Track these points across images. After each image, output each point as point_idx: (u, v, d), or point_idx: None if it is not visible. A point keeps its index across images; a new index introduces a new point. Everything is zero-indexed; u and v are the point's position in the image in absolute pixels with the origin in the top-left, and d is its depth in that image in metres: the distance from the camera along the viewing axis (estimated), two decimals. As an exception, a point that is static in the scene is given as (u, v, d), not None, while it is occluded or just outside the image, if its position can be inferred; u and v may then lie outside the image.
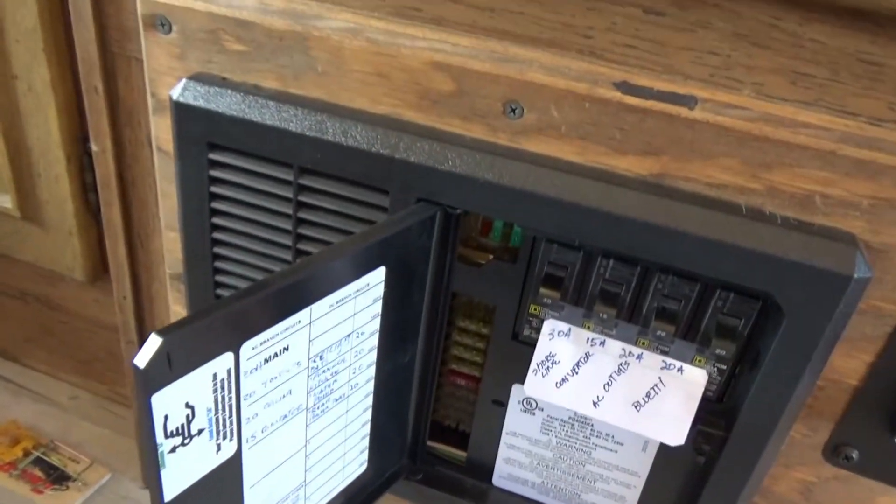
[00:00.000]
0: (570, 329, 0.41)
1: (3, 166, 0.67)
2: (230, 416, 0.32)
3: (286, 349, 0.33)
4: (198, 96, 0.41)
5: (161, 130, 0.46)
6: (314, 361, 0.36)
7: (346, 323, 0.37)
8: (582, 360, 0.41)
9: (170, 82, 0.44)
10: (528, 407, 0.46)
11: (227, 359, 0.30)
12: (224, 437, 0.32)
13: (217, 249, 0.46)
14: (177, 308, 0.54)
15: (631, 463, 0.45)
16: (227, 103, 0.41)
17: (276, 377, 0.34)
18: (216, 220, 0.45)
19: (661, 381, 0.40)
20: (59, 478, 0.73)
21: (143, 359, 0.26)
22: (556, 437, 0.47)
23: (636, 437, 0.45)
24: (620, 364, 0.41)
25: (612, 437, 0.45)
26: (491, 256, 0.43)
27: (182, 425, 0.29)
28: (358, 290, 0.37)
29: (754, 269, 0.35)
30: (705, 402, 0.40)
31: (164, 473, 0.29)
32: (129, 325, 0.60)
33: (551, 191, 0.37)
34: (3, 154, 0.66)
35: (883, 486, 0.41)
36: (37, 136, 0.64)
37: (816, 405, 0.40)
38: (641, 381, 0.41)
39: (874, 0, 0.31)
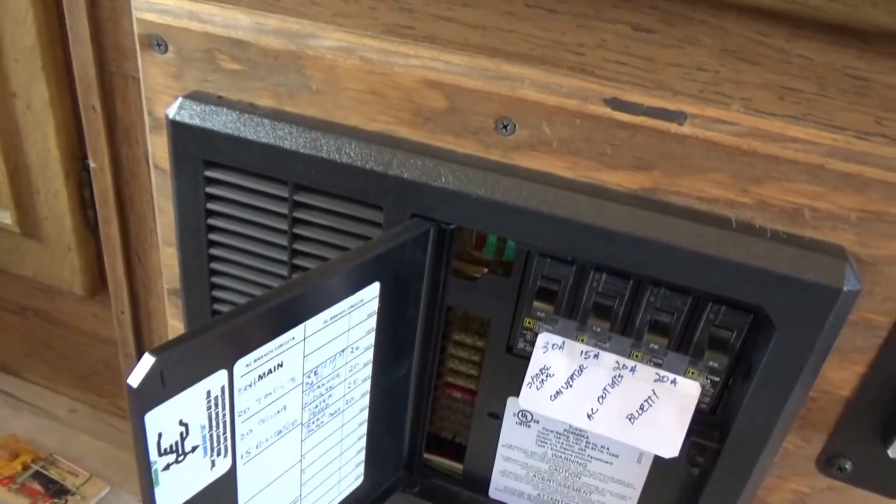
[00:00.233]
0: (563, 342, 0.42)
1: (3, 183, 0.67)
2: (224, 432, 0.32)
3: (280, 366, 0.34)
4: (194, 115, 0.42)
5: (158, 148, 0.47)
6: (309, 377, 0.36)
7: (341, 338, 0.37)
8: (576, 372, 0.42)
9: (166, 101, 0.44)
10: (524, 419, 0.46)
11: (220, 376, 0.30)
12: (218, 454, 0.32)
13: (214, 265, 0.46)
14: (174, 322, 0.54)
15: (626, 475, 0.46)
16: (222, 121, 0.41)
17: (270, 393, 0.34)
18: (213, 236, 0.45)
19: (654, 393, 0.40)
20: (58, 491, 0.73)
21: (136, 378, 0.26)
22: (551, 449, 0.47)
23: (631, 449, 0.45)
24: (614, 377, 0.41)
25: (608, 449, 0.45)
26: (485, 270, 0.43)
27: (176, 443, 0.29)
28: (352, 306, 0.37)
29: (745, 283, 0.35)
30: (699, 413, 0.40)
31: (157, 491, 0.29)
32: (127, 339, 0.61)
33: (543, 206, 0.37)
34: (3, 171, 0.66)
35: (876, 497, 0.42)
36: (36, 153, 0.65)
37: (809, 416, 0.40)
38: (635, 393, 0.41)
39: (859, 17, 0.31)
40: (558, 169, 0.38)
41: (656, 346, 0.40)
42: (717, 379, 0.40)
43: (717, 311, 0.38)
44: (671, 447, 0.40)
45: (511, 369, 0.44)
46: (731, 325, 0.38)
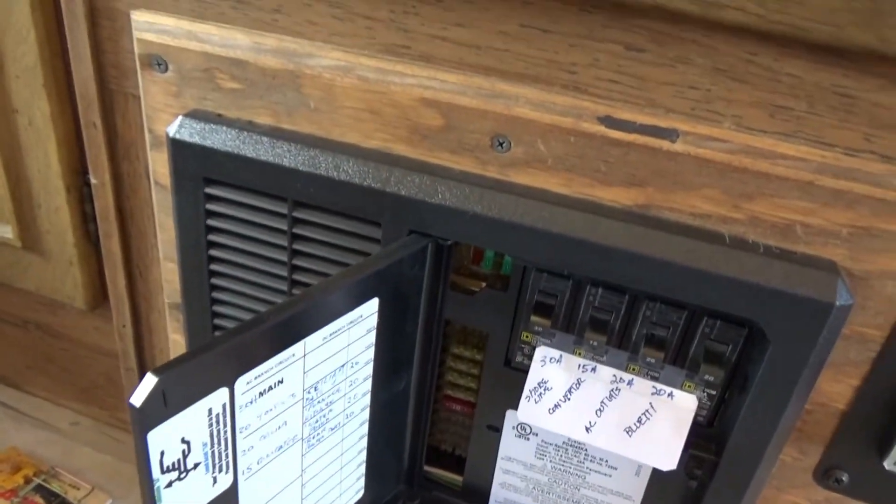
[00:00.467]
0: (561, 356, 0.42)
1: (4, 198, 0.68)
2: (226, 449, 0.32)
3: (280, 382, 0.34)
4: (193, 133, 0.43)
5: (158, 165, 0.47)
6: (309, 393, 0.37)
7: (341, 354, 0.38)
8: (574, 386, 0.42)
9: (166, 119, 0.45)
10: (523, 432, 0.47)
11: (222, 394, 0.31)
12: (220, 470, 0.33)
13: (214, 280, 0.47)
14: (175, 336, 0.54)
15: (625, 487, 0.46)
16: (222, 139, 0.42)
17: (270, 409, 0.34)
18: (213, 252, 0.46)
19: (651, 406, 0.41)
20: (59, 505, 0.73)
21: (138, 398, 0.26)
22: (550, 461, 0.47)
23: (630, 462, 0.45)
24: (612, 390, 0.41)
25: (606, 461, 0.46)
26: (483, 284, 0.44)
27: (178, 460, 0.30)
28: (351, 322, 0.37)
29: (739, 298, 0.36)
30: (696, 426, 0.41)
31: (160, 509, 0.30)
32: (128, 352, 0.61)
33: (539, 222, 0.38)
34: (4, 186, 0.67)
35: (873, 508, 0.42)
36: (37, 169, 0.65)
37: (806, 429, 0.40)
38: (633, 406, 0.41)
39: (845, 37, 0.32)
40: (553, 185, 0.39)
41: (653, 360, 0.40)
42: (714, 392, 0.41)
43: (713, 326, 0.39)
44: (669, 460, 0.41)
45: (510, 382, 0.44)
46: (726, 339, 0.39)
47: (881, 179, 0.33)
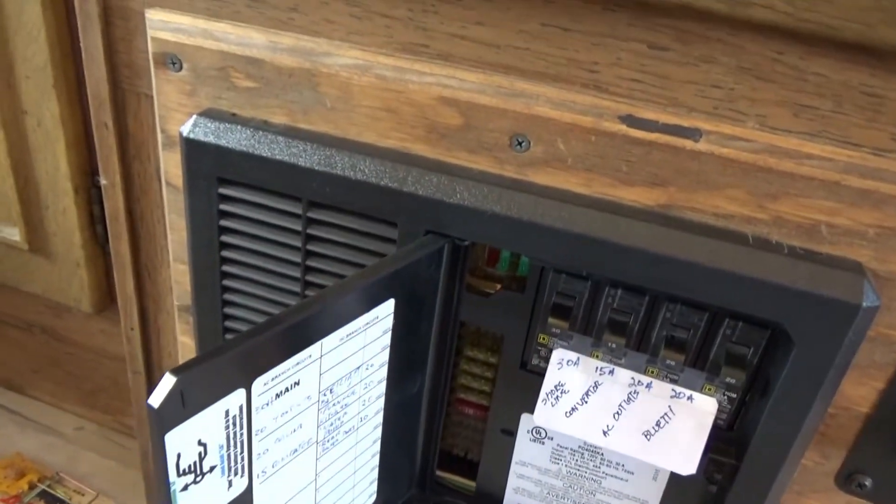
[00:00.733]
0: (578, 358, 0.41)
1: (12, 200, 0.67)
2: (242, 452, 0.32)
3: (297, 384, 0.33)
4: (208, 132, 0.42)
5: (170, 165, 0.47)
6: (324, 395, 0.36)
7: (356, 355, 0.37)
8: (591, 389, 0.41)
9: (180, 118, 0.45)
10: (538, 436, 0.46)
11: (239, 395, 0.30)
12: (235, 474, 0.32)
13: (226, 282, 0.46)
14: (184, 339, 0.54)
15: (642, 492, 0.45)
16: (236, 139, 0.42)
17: (287, 412, 0.34)
18: (225, 253, 0.45)
19: (670, 409, 0.40)
20: (64, 511, 0.72)
21: (157, 398, 0.26)
22: (565, 466, 0.46)
23: (647, 467, 0.44)
24: (630, 393, 0.41)
25: (623, 465, 0.45)
26: (498, 286, 0.43)
27: (194, 463, 0.29)
28: (367, 323, 0.37)
29: (763, 299, 0.35)
30: (716, 430, 0.40)
31: (176, 512, 0.29)
32: (136, 355, 0.60)
33: (559, 222, 0.37)
34: (12, 188, 0.66)
35: (897, 514, 0.41)
36: (45, 171, 0.65)
37: (828, 433, 0.40)
38: (651, 409, 0.41)
39: (875, 35, 0.31)
40: (573, 185, 0.39)
41: (672, 363, 0.40)
42: (734, 395, 0.40)
43: (734, 327, 0.38)
44: (688, 464, 0.40)
45: (525, 385, 0.44)
46: (748, 342, 0.38)
47: (909, 179, 0.33)
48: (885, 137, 0.34)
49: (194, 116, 0.43)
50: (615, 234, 0.37)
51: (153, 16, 0.43)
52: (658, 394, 0.40)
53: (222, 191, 0.43)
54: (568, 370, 0.42)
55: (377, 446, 0.43)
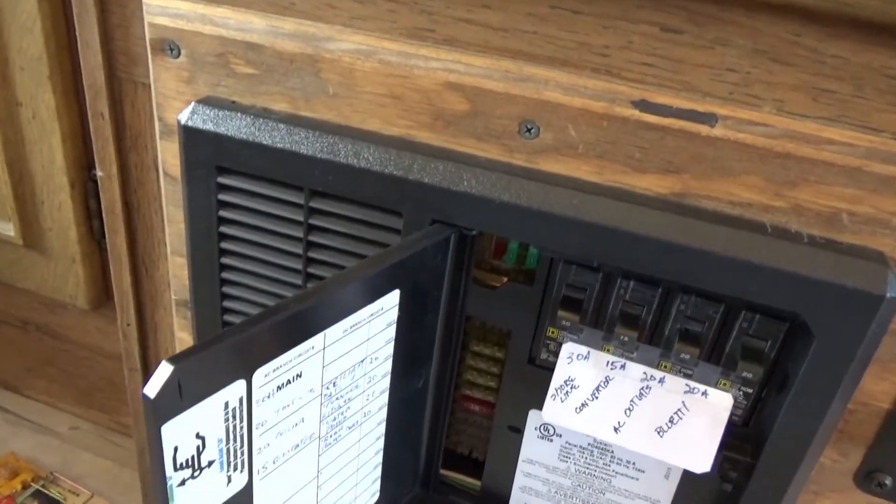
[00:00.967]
0: (589, 352, 0.40)
1: (7, 194, 0.66)
2: (241, 446, 0.30)
3: (299, 376, 0.32)
4: (206, 120, 0.41)
5: (168, 155, 0.46)
6: (327, 388, 0.35)
7: (360, 348, 0.36)
8: (602, 384, 0.40)
9: (178, 106, 0.43)
10: (546, 433, 0.45)
11: (239, 387, 0.29)
12: (235, 469, 0.31)
13: (225, 274, 0.45)
14: (182, 335, 0.53)
15: (653, 491, 0.44)
16: (236, 126, 0.40)
17: (288, 405, 0.32)
18: (224, 245, 0.44)
19: (684, 405, 0.39)
20: (58, 512, 0.71)
21: (153, 388, 0.25)
22: (574, 464, 0.45)
23: (658, 465, 0.43)
24: (642, 388, 0.40)
25: (634, 464, 0.44)
26: (505, 279, 0.42)
27: (192, 457, 0.28)
28: (372, 315, 0.36)
29: (782, 289, 0.34)
30: (731, 426, 0.39)
31: (173, 509, 0.28)
32: (132, 352, 0.59)
33: (570, 210, 0.36)
34: (7, 182, 0.65)
35: (917, 513, 0.40)
36: (41, 164, 0.64)
37: (847, 429, 0.39)
38: (664, 405, 0.39)
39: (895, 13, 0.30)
40: (584, 173, 0.37)
41: (686, 356, 0.38)
42: (750, 390, 0.39)
43: (751, 320, 0.37)
44: (703, 462, 0.39)
45: (533, 381, 0.43)
46: (765, 335, 0.37)
47: (935, 164, 0.32)
48: (908, 121, 0.33)
49: (193, 104, 0.42)
50: (628, 222, 0.35)
51: (150, 1, 0.42)
52: (671, 389, 0.39)
53: (221, 180, 0.42)
54: (578, 365, 0.40)
55: (381, 443, 0.42)
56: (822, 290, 0.33)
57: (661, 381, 0.39)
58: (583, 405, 0.41)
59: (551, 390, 0.41)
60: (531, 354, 0.43)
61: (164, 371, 0.25)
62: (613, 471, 0.44)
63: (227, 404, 0.29)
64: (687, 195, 0.36)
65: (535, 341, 0.42)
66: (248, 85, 0.42)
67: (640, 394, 0.40)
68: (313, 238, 0.42)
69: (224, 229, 0.44)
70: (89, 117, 0.49)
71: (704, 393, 0.39)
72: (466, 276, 0.41)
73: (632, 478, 0.44)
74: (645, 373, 0.39)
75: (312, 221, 0.41)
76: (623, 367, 0.40)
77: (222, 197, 0.42)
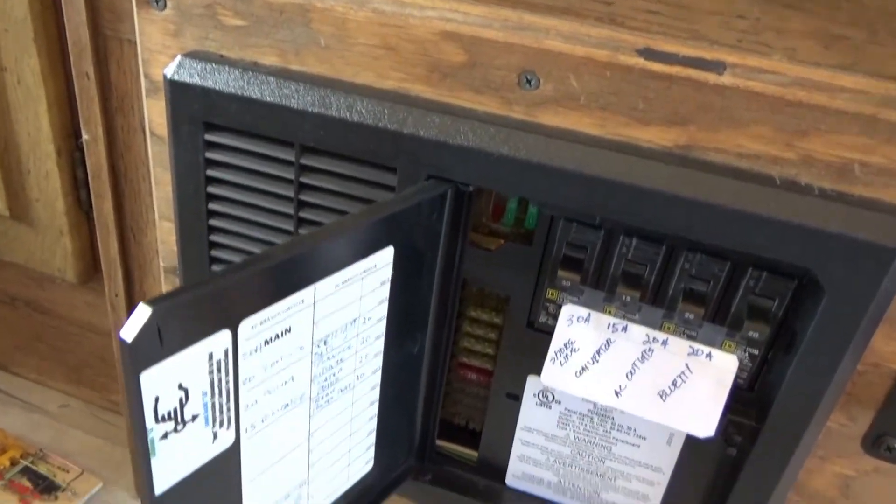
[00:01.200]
0: (589, 314, 0.39)
1: (-8, 163, 0.64)
2: (227, 401, 0.29)
3: (288, 331, 0.31)
4: (193, 73, 0.39)
5: (154, 113, 0.44)
6: (318, 346, 0.33)
7: (353, 306, 0.35)
8: (603, 347, 0.39)
9: (164, 62, 0.42)
10: (545, 400, 0.44)
11: (223, 337, 0.27)
12: (221, 425, 0.29)
13: (214, 237, 0.44)
14: (171, 304, 0.51)
15: (654, 458, 0.43)
16: (224, 80, 0.39)
17: (277, 361, 0.31)
18: (213, 206, 0.43)
19: (688, 367, 0.38)
20: (47, 488, 0.70)
21: (130, 331, 0.23)
22: (573, 431, 0.44)
23: (660, 431, 0.42)
24: (644, 351, 0.38)
25: (635, 430, 0.43)
26: (502, 242, 0.41)
27: (175, 409, 0.26)
28: (365, 271, 0.34)
29: (791, 243, 0.33)
30: (735, 390, 0.38)
31: (154, 462, 0.26)
32: (121, 324, 0.58)
33: (571, 163, 0.35)
34: (-8, 149, 0.63)
35: (927, 479, 0.39)
36: (27, 131, 0.62)
37: (856, 392, 0.37)
38: (667, 368, 0.38)
39: (917, -50, 0.29)
40: (586, 126, 0.36)
41: (691, 316, 0.37)
42: (756, 352, 0.38)
43: (758, 278, 0.36)
44: (707, 426, 0.38)
45: (532, 345, 0.41)
46: (772, 293, 0.36)
47: (953, 109, 0.30)
48: (925, 66, 0.32)
49: (179, 57, 0.40)
50: (631, 175, 0.34)
51: (135, -52, 0.40)
52: (675, 351, 0.38)
53: (209, 137, 0.40)
54: (578, 327, 0.39)
55: (374, 409, 0.41)
56: (834, 244, 0.32)
57: (664, 343, 0.38)
58: (583, 369, 0.39)
59: (550, 354, 0.40)
60: (530, 318, 0.41)
61: (141, 314, 0.23)
62: (614, 438, 0.43)
63: (211, 355, 0.27)
64: (693, 147, 0.35)
65: (535, 304, 0.41)
66: (237, 38, 0.40)
67: (643, 356, 0.38)
68: (304, 197, 0.40)
69: (212, 189, 0.42)
70: (74, 77, 0.47)
71: (709, 355, 0.38)
72: (463, 238, 0.40)
73: (633, 445, 0.43)
74: (647, 335, 0.38)
75: (304, 179, 0.40)
76: (625, 329, 0.39)
77: (210, 155, 0.41)
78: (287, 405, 0.33)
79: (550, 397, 0.43)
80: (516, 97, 0.36)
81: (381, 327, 0.38)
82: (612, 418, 0.43)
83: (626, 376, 0.39)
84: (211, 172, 0.42)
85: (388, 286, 0.36)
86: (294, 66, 0.40)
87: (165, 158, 0.44)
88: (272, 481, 0.34)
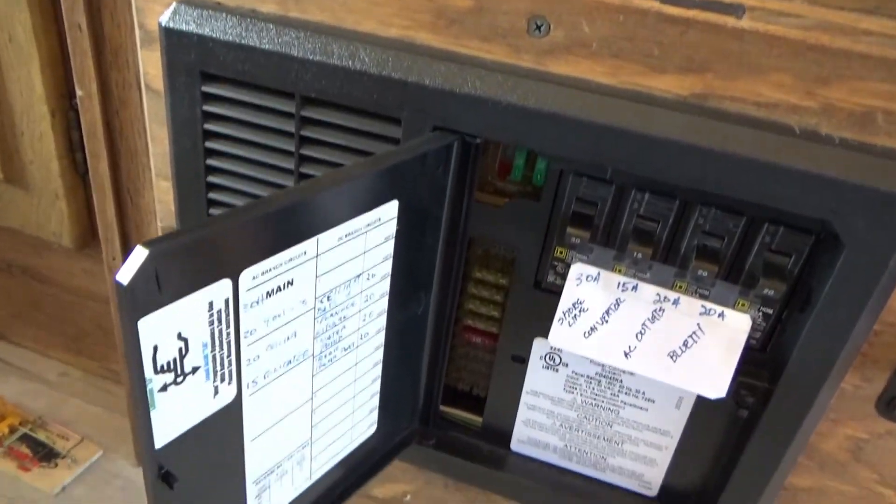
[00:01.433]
0: (599, 273, 0.38)
1: (-16, 125, 0.63)
2: (229, 355, 0.28)
3: (290, 283, 0.30)
4: (189, 20, 0.38)
5: (150, 66, 0.43)
6: (321, 302, 0.32)
7: (356, 261, 0.34)
8: (612, 307, 0.38)
9: (159, 11, 0.40)
10: (551, 363, 0.43)
11: (224, 286, 0.26)
12: (222, 379, 0.28)
13: (213, 194, 0.42)
14: (170, 266, 0.50)
15: (663, 422, 0.42)
16: (221, 28, 0.37)
17: (279, 315, 0.30)
18: (211, 162, 0.41)
19: (699, 327, 0.37)
20: (46, 455, 0.69)
21: (126, 274, 0.22)
22: (580, 395, 0.43)
23: (669, 394, 0.41)
24: (655, 310, 0.37)
25: (643, 393, 0.42)
26: (508, 200, 0.39)
27: (174, 359, 0.25)
28: (369, 224, 0.33)
29: (811, 195, 0.31)
30: (747, 351, 0.37)
31: (154, 415, 0.25)
32: (119, 289, 0.57)
33: (582, 112, 0.33)
34: (-16, 111, 0.62)
35: (941, 441, 0.38)
36: (19, 91, 0.60)
37: (872, 353, 0.37)
38: (678, 328, 0.37)
39: None
40: (598, 75, 0.35)
41: (704, 274, 0.36)
42: (770, 311, 0.37)
43: (774, 234, 0.35)
44: (718, 386, 0.37)
45: (539, 306, 0.40)
46: (789, 249, 0.35)
47: (985, 52, 0.29)
48: (955, 8, 0.30)
49: (174, 4, 0.38)
50: (645, 124, 0.33)
51: None
52: (686, 311, 0.37)
53: (206, 88, 0.39)
54: (587, 286, 0.38)
55: (378, 370, 0.40)
56: (854, 195, 0.31)
57: (676, 302, 0.37)
58: (592, 329, 0.38)
59: (559, 314, 0.39)
60: (537, 278, 0.40)
61: (138, 256, 0.22)
62: (622, 401, 0.42)
63: (211, 304, 0.26)
64: (709, 96, 0.33)
65: (542, 263, 0.40)
66: (235, -15, 0.38)
67: (653, 316, 0.38)
68: (306, 151, 0.39)
69: (210, 144, 0.41)
70: (66, 30, 0.46)
71: (721, 314, 0.37)
72: (469, 194, 0.39)
73: (641, 408, 0.42)
74: (658, 294, 0.37)
75: (305, 133, 0.38)
76: (635, 288, 0.38)
77: (208, 108, 0.40)
78: (289, 362, 0.32)
79: (557, 360, 0.43)
80: (525, 45, 0.35)
81: (385, 285, 0.37)
82: (621, 381, 0.42)
83: (636, 337, 0.38)
84: (209, 126, 0.40)
85: (392, 242, 0.35)
86: (294, 13, 0.38)
87: (161, 114, 0.43)
88: (274, 441, 0.34)
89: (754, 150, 0.32)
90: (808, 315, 0.35)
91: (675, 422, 0.42)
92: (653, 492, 0.45)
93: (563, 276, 0.39)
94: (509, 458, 0.47)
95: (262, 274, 0.28)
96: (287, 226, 0.28)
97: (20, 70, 0.59)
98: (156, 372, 0.25)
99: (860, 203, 0.31)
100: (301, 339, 0.32)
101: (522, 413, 0.45)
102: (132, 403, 0.25)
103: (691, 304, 0.37)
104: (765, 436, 0.38)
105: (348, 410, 0.39)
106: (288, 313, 0.31)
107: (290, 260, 0.29)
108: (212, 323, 0.27)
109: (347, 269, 0.33)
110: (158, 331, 0.24)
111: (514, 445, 0.47)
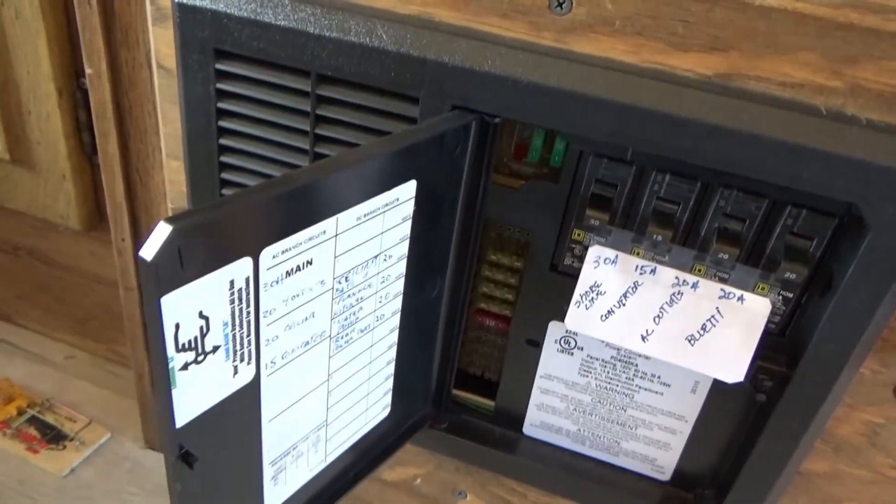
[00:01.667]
0: (617, 256, 0.37)
1: (-9, 104, 0.62)
2: (248, 334, 0.28)
3: (310, 262, 0.29)
4: (204, -4, 0.37)
5: (161, 44, 0.42)
6: (339, 282, 0.32)
7: (374, 242, 0.33)
8: (630, 290, 0.38)
9: (171, -14, 0.40)
10: (566, 346, 0.43)
11: (245, 265, 0.26)
12: (242, 359, 0.28)
13: (225, 175, 0.42)
14: (180, 248, 0.50)
15: (678, 406, 0.42)
16: (236, 3, 0.37)
17: (298, 295, 0.30)
18: (224, 141, 0.41)
19: (718, 311, 0.37)
20: (55, 437, 0.69)
21: (150, 249, 0.22)
22: (595, 379, 0.43)
23: (684, 378, 0.41)
24: (673, 294, 0.37)
25: (659, 377, 0.42)
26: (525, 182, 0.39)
27: (196, 338, 0.25)
28: (387, 205, 0.33)
29: (836, 177, 0.31)
30: (766, 336, 0.37)
31: (175, 394, 0.25)
32: (128, 270, 0.56)
33: (604, 92, 0.33)
34: (-10, 90, 0.61)
35: (959, 427, 0.38)
36: (26, 69, 0.60)
37: (892, 338, 0.36)
38: (696, 312, 0.37)
39: None
40: (620, 53, 0.34)
41: (725, 256, 0.36)
42: (790, 295, 0.36)
43: (797, 216, 0.34)
44: (736, 371, 0.37)
45: (555, 289, 0.40)
46: (811, 232, 0.34)
47: None
48: None
49: (188, -20, 0.38)
50: (668, 103, 0.32)
51: None
52: (705, 294, 0.37)
53: (220, 66, 0.38)
54: (605, 269, 0.38)
55: (393, 353, 0.40)
56: (881, 177, 0.30)
57: (695, 286, 0.37)
58: (609, 312, 0.38)
59: (575, 297, 0.38)
60: (553, 261, 0.40)
61: (161, 231, 0.22)
62: (637, 385, 0.42)
63: (232, 283, 0.26)
64: (733, 76, 0.33)
65: (559, 245, 0.39)
66: (249, -40, 0.38)
67: (671, 300, 0.37)
68: (321, 131, 0.38)
69: (224, 123, 0.40)
70: (75, 6, 0.45)
71: (741, 298, 0.36)
72: (486, 175, 0.38)
73: (656, 392, 0.42)
74: (677, 277, 0.37)
75: (320, 111, 0.38)
76: (653, 271, 0.37)
77: (221, 86, 0.39)
78: (307, 343, 0.32)
79: (572, 343, 0.42)
80: (546, 22, 0.34)
81: (402, 267, 0.36)
82: (636, 365, 0.42)
83: (654, 320, 0.38)
84: (222, 105, 0.40)
85: (409, 223, 0.35)
86: (310, -9, 0.37)
87: (173, 93, 0.42)
88: (291, 422, 0.34)
89: (779, 131, 0.31)
90: (828, 299, 0.34)
91: (691, 406, 0.42)
92: (666, 476, 0.45)
93: (580, 259, 0.39)
94: (522, 442, 0.47)
95: (283, 253, 0.28)
96: (307, 204, 0.28)
97: (26, 47, 0.58)
98: (177, 350, 0.25)
99: (887, 186, 0.30)
100: (319, 319, 0.32)
101: (536, 397, 0.45)
102: (154, 382, 0.24)
103: (710, 288, 0.37)
104: (782, 421, 0.38)
105: (363, 393, 0.39)
106: (307, 293, 0.30)
107: (310, 239, 0.29)
108: (232, 302, 0.26)
109: (365, 249, 0.33)
110: (180, 309, 0.24)
111: (527, 429, 0.47)
